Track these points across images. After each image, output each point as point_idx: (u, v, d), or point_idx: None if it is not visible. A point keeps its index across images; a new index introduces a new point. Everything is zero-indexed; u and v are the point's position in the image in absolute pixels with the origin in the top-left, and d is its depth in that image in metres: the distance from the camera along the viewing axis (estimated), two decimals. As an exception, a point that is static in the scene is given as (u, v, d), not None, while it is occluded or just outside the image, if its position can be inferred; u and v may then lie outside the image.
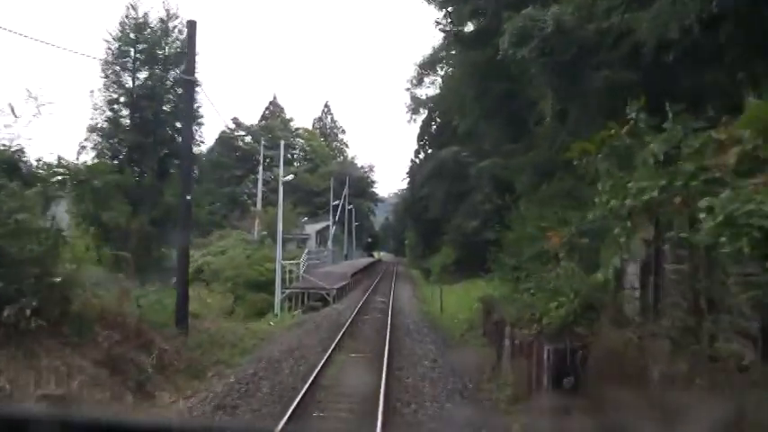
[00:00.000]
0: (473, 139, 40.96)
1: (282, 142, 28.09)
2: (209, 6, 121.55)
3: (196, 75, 14.91)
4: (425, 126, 54.95)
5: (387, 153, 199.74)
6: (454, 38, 23.40)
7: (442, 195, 41.32)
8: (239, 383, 10.71)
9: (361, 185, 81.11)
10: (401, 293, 32.38)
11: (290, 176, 26.64)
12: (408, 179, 60.50)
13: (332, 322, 19.14)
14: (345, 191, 59.09)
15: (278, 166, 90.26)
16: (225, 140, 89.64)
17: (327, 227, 52.91)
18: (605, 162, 8.51)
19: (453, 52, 41.23)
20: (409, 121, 51.32)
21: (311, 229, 52.40)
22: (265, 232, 45.60)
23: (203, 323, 14.92)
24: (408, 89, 47.83)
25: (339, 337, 15.31)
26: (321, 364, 11.97)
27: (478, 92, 18.10)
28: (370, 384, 10.24)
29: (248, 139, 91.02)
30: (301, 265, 30.37)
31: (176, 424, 2.20)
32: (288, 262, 27.50)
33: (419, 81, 46.92)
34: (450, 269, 42.43)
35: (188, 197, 14.20)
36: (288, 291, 25.34)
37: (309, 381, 10.55)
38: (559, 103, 13.05)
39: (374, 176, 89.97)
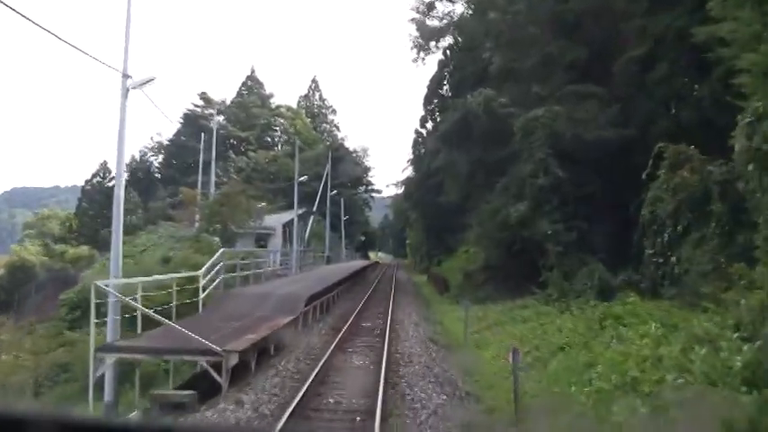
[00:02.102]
0: (516, 79, 26.78)
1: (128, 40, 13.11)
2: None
3: None
4: (436, 84, 40.66)
5: (385, 152, 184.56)
6: None
7: (467, 166, 27.04)
8: None
9: (353, 172, 66.71)
10: (406, 339, 16.15)
11: (149, 79, 12.29)
12: (413, 157, 46.14)
13: None
14: (327, 168, 44.67)
15: (255, 150, 76.32)
16: (192, 120, 75.91)
17: (304, 217, 38.58)
18: None
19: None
20: (415, 61, 37.64)
21: (276, 221, 38.11)
22: (207, 225, 31.81)
23: None
24: (414, 19, 33.83)
25: None
26: None
27: None
28: None
29: (221, 118, 77.20)
30: (202, 282, 14.48)
31: (176, 426, 2.02)
32: (119, 281, 12.74)
33: (429, 7, 32.82)
34: (477, 279, 28.76)
35: None
36: (116, 357, 10.20)
37: None
38: None
39: (369, 162, 75.25)
